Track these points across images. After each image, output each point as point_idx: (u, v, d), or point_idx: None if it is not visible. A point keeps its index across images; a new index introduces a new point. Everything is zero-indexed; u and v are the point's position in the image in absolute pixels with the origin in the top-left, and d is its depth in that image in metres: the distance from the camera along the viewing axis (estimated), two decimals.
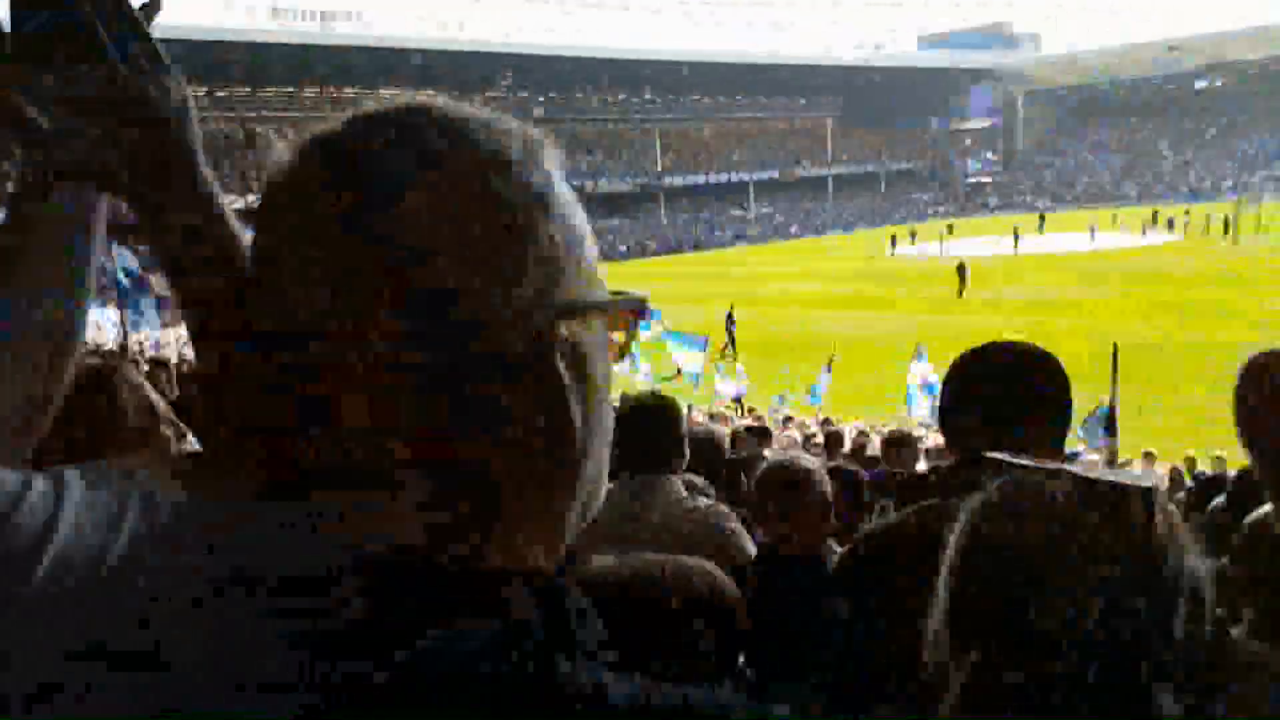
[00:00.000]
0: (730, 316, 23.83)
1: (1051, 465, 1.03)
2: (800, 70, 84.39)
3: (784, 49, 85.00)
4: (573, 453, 0.53)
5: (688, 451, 2.73)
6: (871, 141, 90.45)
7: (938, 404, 1.85)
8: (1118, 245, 40.84)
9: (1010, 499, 1.01)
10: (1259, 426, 1.41)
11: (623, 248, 62.81)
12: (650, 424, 2.55)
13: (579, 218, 0.57)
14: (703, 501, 2.63)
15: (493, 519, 0.50)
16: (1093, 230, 44.74)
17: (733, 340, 22.88)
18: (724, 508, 2.62)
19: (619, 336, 0.59)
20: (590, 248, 0.57)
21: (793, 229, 73.09)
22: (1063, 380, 1.70)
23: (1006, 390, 1.67)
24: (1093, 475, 1.00)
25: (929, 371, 13.06)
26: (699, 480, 3.25)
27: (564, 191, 0.56)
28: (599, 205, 69.23)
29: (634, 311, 0.60)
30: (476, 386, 0.49)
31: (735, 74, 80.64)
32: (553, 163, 0.56)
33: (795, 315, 27.57)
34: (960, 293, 28.98)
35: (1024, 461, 1.04)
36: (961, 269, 29.81)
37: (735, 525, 2.53)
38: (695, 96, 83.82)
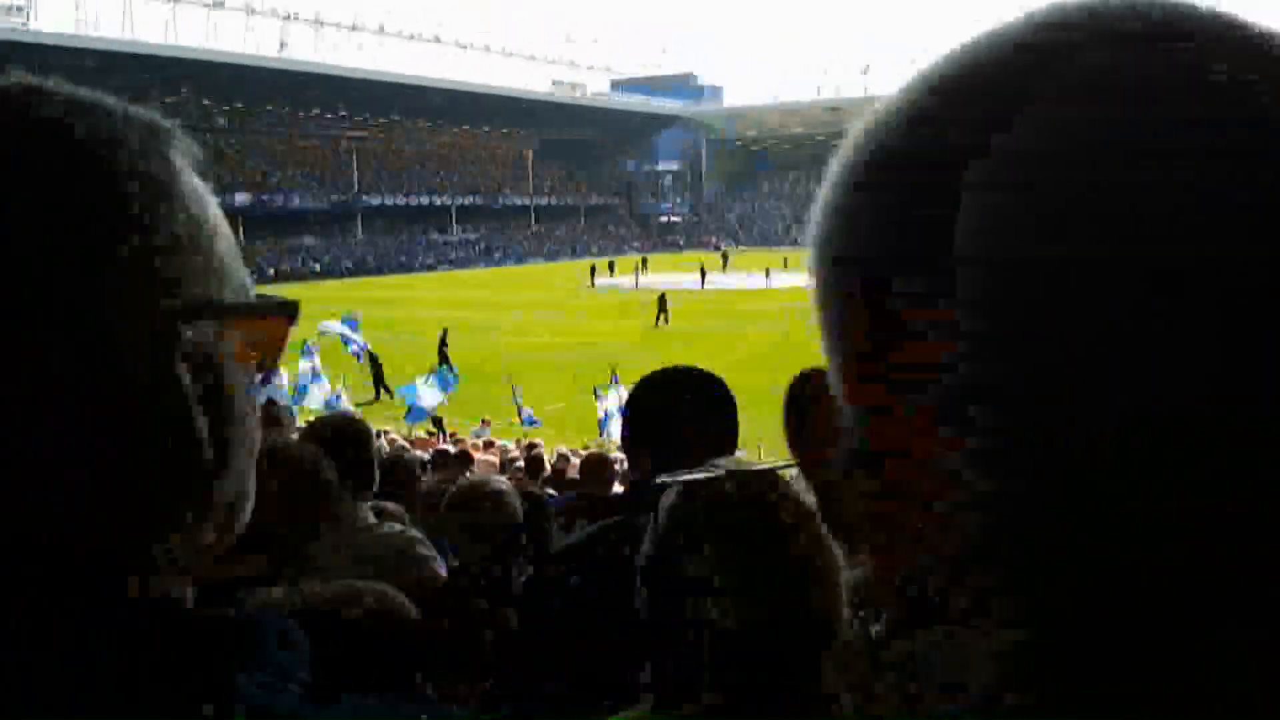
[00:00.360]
0: (443, 339, 23.61)
1: (712, 471, 1.10)
2: (502, 101, 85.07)
3: (489, 79, 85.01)
4: (199, 468, 0.46)
5: (378, 476, 2.68)
6: (570, 175, 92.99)
7: None
8: (789, 284, 44.14)
9: (680, 509, 1.07)
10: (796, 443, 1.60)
11: (316, 266, 60.79)
12: (336, 448, 2.47)
13: (211, 214, 0.51)
14: (393, 527, 2.59)
15: (115, 538, 0.44)
16: (768, 271, 48.00)
17: (445, 362, 22.83)
18: (414, 532, 2.59)
19: (263, 343, 0.53)
20: (227, 248, 0.52)
21: (496, 255, 73.47)
22: (728, 401, 1.82)
23: (675, 412, 1.78)
24: (744, 468, 1.09)
25: (624, 397, 13.41)
26: (392, 506, 3.19)
27: (193, 185, 0.51)
28: (290, 222, 66.27)
29: (280, 318, 0.54)
30: (74, 390, 0.42)
31: (436, 98, 79.92)
32: (182, 155, 0.51)
33: (499, 341, 27.60)
34: (659, 322, 30.34)
35: (690, 475, 1.10)
36: (663, 300, 31.14)
37: (426, 550, 2.50)
38: (396, 117, 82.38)
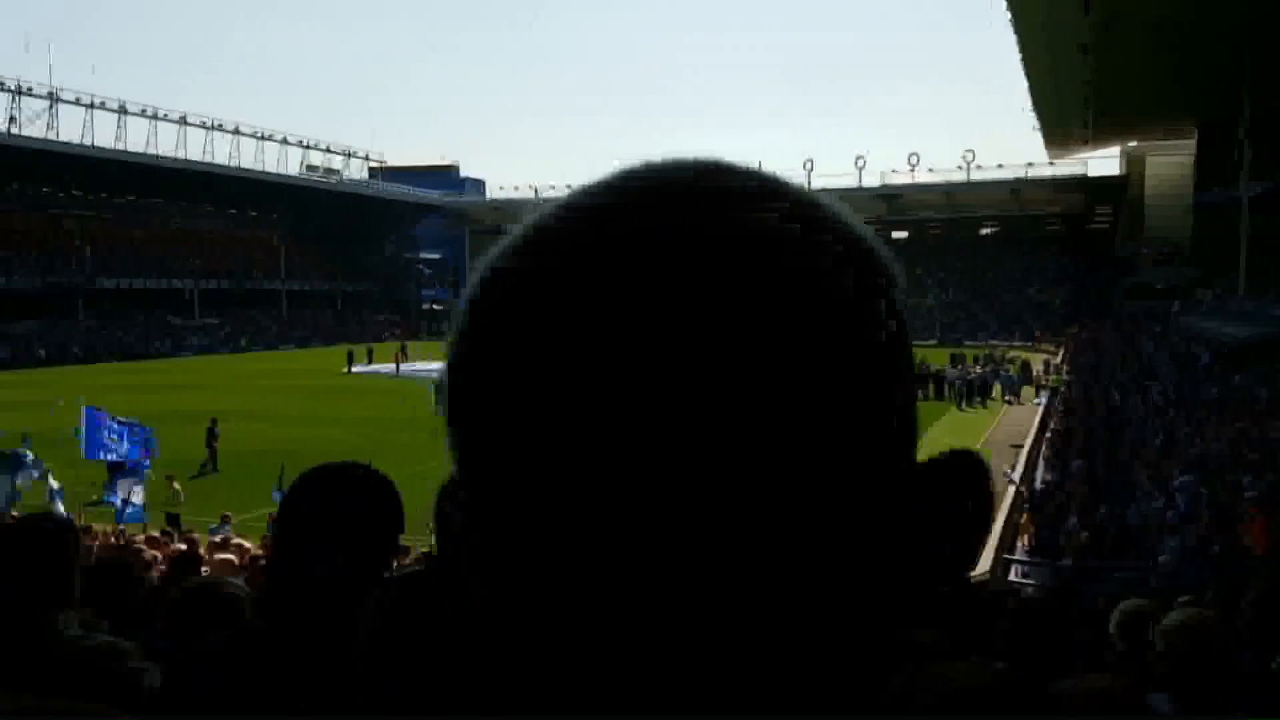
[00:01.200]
0: (212, 430, 22.35)
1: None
2: (251, 183, 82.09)
3: (235, 159, 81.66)
4: None
5: (79, 582, 2.43)
6: (325, 262, 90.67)
7: None
8: None
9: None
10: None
11: (41, 352, 56.26)
12: (28, 552, 2.23)
13: None
14: (100, 637, 2.36)
15: None
16: None
17: (214, 455, 21.64)
18: (125, 644, 2.36)
19: None
20: None
21: (242, 342, 70.19)
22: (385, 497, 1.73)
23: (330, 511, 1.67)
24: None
25: None
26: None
27: None
28: (7, 305, 60.89)
29: None
30: None
31: (178, 177, 76.12)
32: None
33: (246, 430, 26.20)
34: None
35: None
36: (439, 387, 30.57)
37: (136, 663, 2.28)
38: (130, 197, 77.75)
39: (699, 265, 0.34)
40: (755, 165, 0.40)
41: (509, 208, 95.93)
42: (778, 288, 0.34)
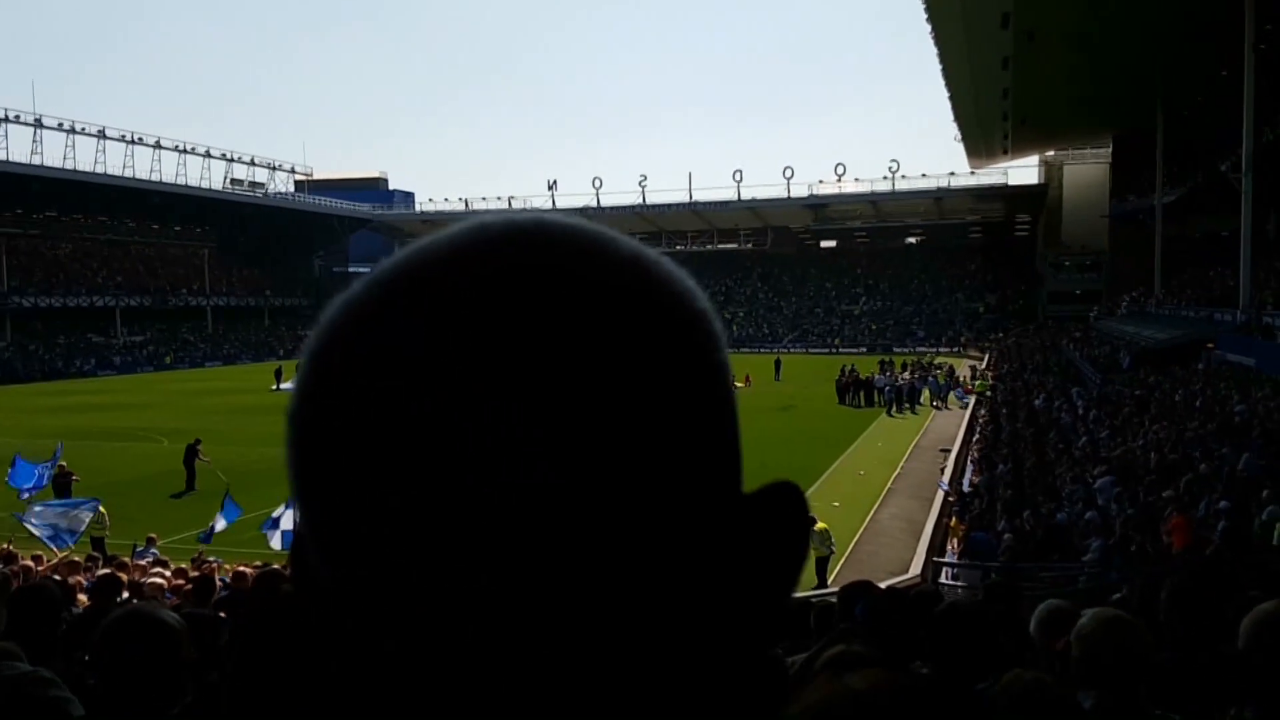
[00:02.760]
0: (194, 449, 21.96)
1: None
2: (175, 197, 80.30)
3: (162, 175, 79.80)
4: None
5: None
6: (253, 276, 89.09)
7: None
8: None
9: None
10: None
11: None
12: None
13: None
14: (17, 667, 2.32)
15: None
16: None
17: (193, 476, 21.13)
18: (45, 673, 2.33)
19: None
20: None
21: (167, 359, 68.61)
22: None
23: None
24: None
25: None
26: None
27: None
28: None
29: None
30: None
31: (100, 193, 74.20)
32: None
33: (176, 451, 25.61)
34: None
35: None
36: None
37: (60, 692, 2.25)
38: (49, 213, 75.61)
39: (536, 320, 0.37)
40: (584, 223, 0.43)
41: (439, 220, 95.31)
42: (603, 337, 0.37)
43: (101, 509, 15.77)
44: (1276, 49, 33.20)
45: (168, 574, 10.63)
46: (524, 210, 0.45)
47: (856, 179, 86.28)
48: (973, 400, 35.01)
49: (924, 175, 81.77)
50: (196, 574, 9.19)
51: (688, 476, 0.39)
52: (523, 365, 0.36)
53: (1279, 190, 40.42)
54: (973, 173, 78.63)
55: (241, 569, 10.21)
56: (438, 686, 0.37)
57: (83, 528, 14.35)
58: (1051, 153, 76.23)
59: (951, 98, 50.64)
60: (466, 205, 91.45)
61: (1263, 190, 33.70)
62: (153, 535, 14.42)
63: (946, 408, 35.87)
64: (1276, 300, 29.31)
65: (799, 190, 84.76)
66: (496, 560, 0.36)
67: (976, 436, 25.46)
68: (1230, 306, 32.29)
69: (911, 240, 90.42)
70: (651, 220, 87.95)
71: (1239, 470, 14.41)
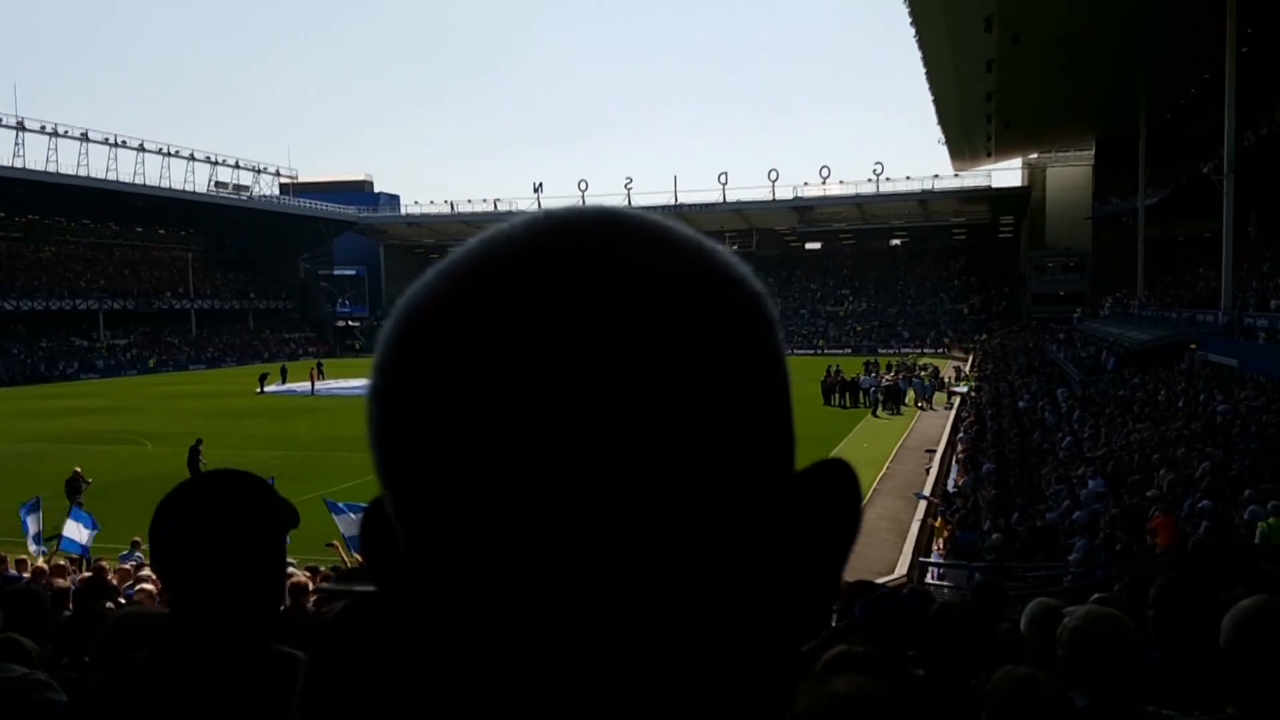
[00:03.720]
0: (195, 451, 22.26)
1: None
2: (157, 200, 79.87)
3: (140, 176, 79.31)
4: None
5: None
6: (237, 279, 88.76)
7: None
8: None
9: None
10: None
11: None
12: None
13: None
14: (11, 669, 2.31)
15: None
16: None
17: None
18: (41, 675, 2.32)
19: None
20: None
21: (151, 363, 68.30)
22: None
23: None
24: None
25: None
26: (30, 643, 2.85)
27: None
28: None
29: None
30: None
31: (83, 196, 73.76)
32: None
33: (160, 454, 25.51)
34: None
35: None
36: None
37: (53, 694, 2.24)
38: (32, 216, 75.12)
39: (604, 306, 0.38)
40: (644, 211, 0.46)
41: (425, 223, 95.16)
42: (671, 326, 0.39)
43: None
44: (1258, 51, 33.52)
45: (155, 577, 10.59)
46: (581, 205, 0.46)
47: (841, 181, 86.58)
48: (958, 400, 35.17)
49: (908, 178, 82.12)
50: None
51: (756, 456, 0.41)
52: (600, 346, 0.37)
53: (1260, 192, 40.77)
54: (956, 175, 79.06)
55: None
56: (518, 666, 0.38)
57: (81, 539, 14.32)
58: (1035, 155, 76.67)
59: (935, 100, 50.89)
60: (452, 208, 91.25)
61: (1244, 192, 33.97)
62: (137, 539, 14.32)
63: (932, 408, 36.03)
64: (1258, 301, 29.55)
65: (784, 192, 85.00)
66: (577, 541, 0.37)
67: (961, 437, 25.59)
68: (1212, 308, 32.53)
69: (896, 242, 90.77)
70: None
71: (1226, 470, 14.53)
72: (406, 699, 0.42)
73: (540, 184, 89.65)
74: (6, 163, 68.97)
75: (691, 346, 0.39)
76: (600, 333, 0.37)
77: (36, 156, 75.07)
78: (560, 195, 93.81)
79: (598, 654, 0.38)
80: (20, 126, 70.16)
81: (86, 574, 10.18)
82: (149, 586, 8.01)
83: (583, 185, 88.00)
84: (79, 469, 20.16)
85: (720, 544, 0.39)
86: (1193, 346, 30.04)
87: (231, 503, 1.63)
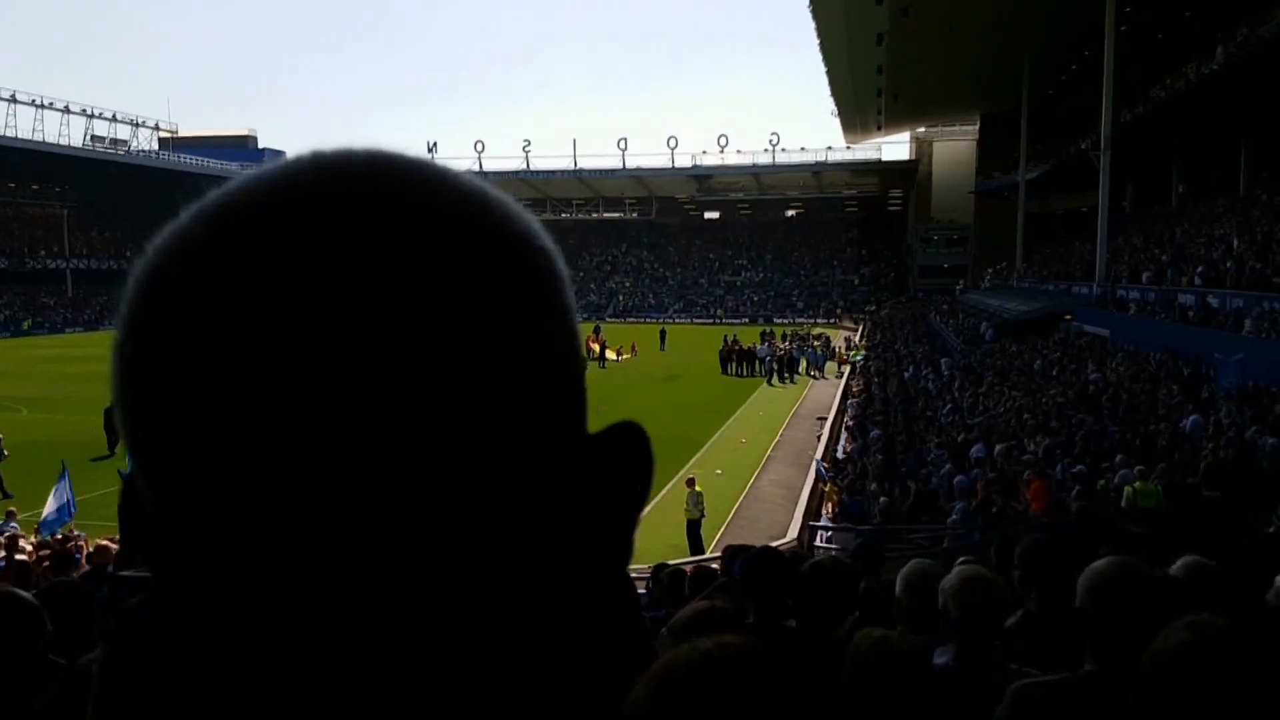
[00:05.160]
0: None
1: None
2: (32, 155, 75.82)
3: (12, 129, 75.14)
4: None
5: None
6: (115, 238, 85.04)
7: None
8: None
9: None
10: None
11: None
12: None
13: None
14: None
15: None
16: None
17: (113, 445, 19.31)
18: None
19: None
20: None
21: (25, 325, 65.15)
22: None
23: None
24: None
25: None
26: None
27: None
28: None
29: None
30: None
31: None
32: None
33: (37, 421, 24.38)
34: None
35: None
36: None
37: None
38: None
39: (367, 255, 0.36)
40: (425, 156, 0.43)
41: None
42: (442, 277, 0.37)
43: None
44: (1136, 30, 34.81)
45: (29, 548, 10.21)
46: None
47: (739, 150, 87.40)
48: (848, 369, 36.01)
49: (803, 149, 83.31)
50: (58, 549, 8.84)
51: (527, 408, 0.39)
52: (356, 285, 0.36)
53: (1135, 167, 42.51)
54: (849, 148, 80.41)
55: (104, 542, 9.87)
56: (276, 614, 0.37)
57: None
58: (923, 129, 78.41)
59: (828, 72, 51.53)
60: None
61: (1120, 167, 35.34)
62: (12, 509, 13.77)
63: (824, 377, 36.81)
64: (1130, 274, 30.91)
65: (683, 160, 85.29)
66: (329, 486, 0.35)
67: (850, 404, 26.23)
68: (1087, 280, 33.90)
69: (791, 213, 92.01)
70: (536, 187, 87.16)
71: (1098, 436, 15.26)
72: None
73: (435, 144, 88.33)
74: None
75: (463, 292, 0.37)
76: (365, 268, 0.36)
77: None
78: (455, 156, 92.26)
79: (371, 623, 0.37)
80: None
81: None
82: (25, 558, 7.75)
83: (479, 147, 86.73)
84: None
85: (488, 504, 0.38)
86: (1068, 317, 31.30)
87: None
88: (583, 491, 0.42)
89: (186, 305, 0.37)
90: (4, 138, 73.73)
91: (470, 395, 0.37)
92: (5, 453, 18.69)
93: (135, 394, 0.38)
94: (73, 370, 37.93)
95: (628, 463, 0.45)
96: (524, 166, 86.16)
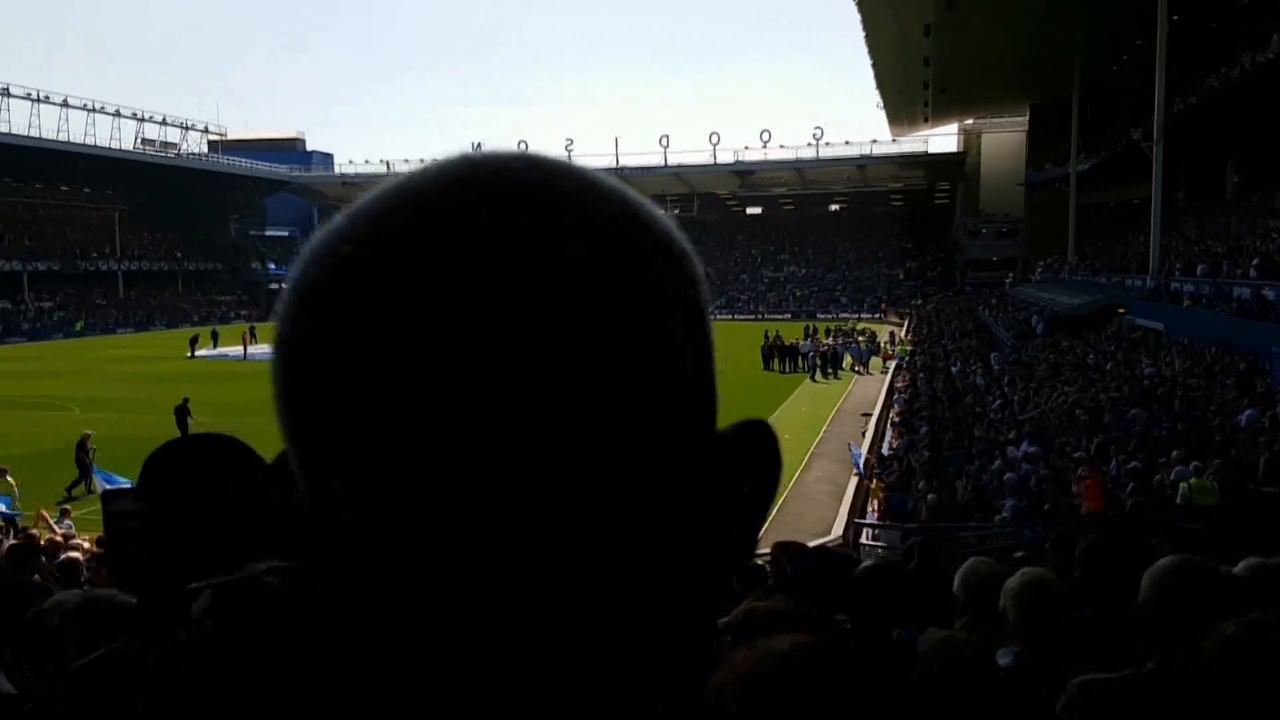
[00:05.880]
0: (183, 410, 21.50)
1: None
2: (83, 158, 77.40)
3: (65, 133, 76.73)
4: None
5: None
6: (166, 240, 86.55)
7: None
8: None
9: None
10: None
11: None
12: None
13: None
14: None
15: None
16: None
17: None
18: None
19: None
20: None
21: (78, 326, 66.50)
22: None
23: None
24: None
25: None
26: None
27: None
28: None
29: None
30: None
31: (4, 154, 71.16)
32: None
33: (90, 421, 24.85)
34: None
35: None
36: None
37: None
38: None
39: (527, 261, 0.36)
40: (578, 163, 0.43)
41: (359, 182, 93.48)
42: (595, 284, 0.37)
43: (10, 479, 15.29)
44: (1189, 18, 34.11)
45: (85, 546, 10.37)
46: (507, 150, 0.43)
47: (782, 145, 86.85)
48: (893, 365, 35.67)
49: (847, 143, 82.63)
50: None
51: (673, 413, 0.40)
52: (512, 295, 0.36)
53: (1189, 159, 41.67)
54: (894, 140, 79.67)
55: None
56: (440, 621, 0.37)
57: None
58: (970, 121, 77.50)
59: (874, 64, 51.09)
60: (388, 167, 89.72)
61: (1173, 159, 34.66)
62: (67, 507, 14.05)
63: (868, 373, 36.49)
64: (1184, 266, 30.31)
65: (725, 156, 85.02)
66: (488, 500, 0.36)
67: (896, 400, 25.97)
68: (1141, 273, 33.29)
69: (835, 207, 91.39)
70: None
71: (1153, 431, 14.95)
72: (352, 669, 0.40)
73: (479, 144, 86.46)
74: None
75: (612, 300, 0.37)
76: (519, 279, 0.36)
77: None
78: None
79: (524, 615, 0.37)
80: None
81: (13, 541, 9.92)
82: (76, 555, 7.84)
83: (522, 146, 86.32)
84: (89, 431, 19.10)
85: (633, 506, 0.38)
86: (1121, 311, 30.75)
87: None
88: (717, 490, 0.43)
89: (339, 324, 0.38)
90: (58, 142, 75.32)
91: (629, 397, 0.37)
92: (93, 449, 18.39)
93: (294, 401, 0.40)
94: (125, 370, 38.66)
95: (758, 462, 0.45)
96: None
